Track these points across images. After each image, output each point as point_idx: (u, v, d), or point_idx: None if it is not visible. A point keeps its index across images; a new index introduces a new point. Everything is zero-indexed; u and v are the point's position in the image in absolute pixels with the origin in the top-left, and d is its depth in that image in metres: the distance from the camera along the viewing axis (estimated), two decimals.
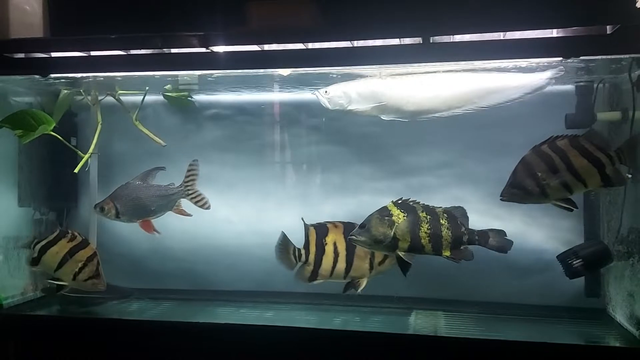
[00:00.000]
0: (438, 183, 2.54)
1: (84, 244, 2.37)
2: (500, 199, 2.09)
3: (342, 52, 2.02)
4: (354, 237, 2.04)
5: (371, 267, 2.28)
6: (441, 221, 2.06)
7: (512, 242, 2.09)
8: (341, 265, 2.27)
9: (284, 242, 2.32)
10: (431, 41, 1.92)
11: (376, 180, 2.60)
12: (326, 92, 2.32)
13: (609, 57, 1.95)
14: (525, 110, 2.26)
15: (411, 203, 2.10)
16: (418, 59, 2.00)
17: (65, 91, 2.56)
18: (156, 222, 2.50)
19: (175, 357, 2.19)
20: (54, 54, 2.19)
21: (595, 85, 2.34)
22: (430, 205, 2.11)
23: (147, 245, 2.72)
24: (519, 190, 2.05)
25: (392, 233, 2.02)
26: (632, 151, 2.05)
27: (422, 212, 2.07)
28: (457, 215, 2.10)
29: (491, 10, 1.84)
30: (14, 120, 2.37)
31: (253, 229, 2.70)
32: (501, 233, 2.10)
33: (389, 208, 2.07)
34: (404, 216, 2.04)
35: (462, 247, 2.08)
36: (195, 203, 2.46)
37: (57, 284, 2.36)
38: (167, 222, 2.53)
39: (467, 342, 2.04)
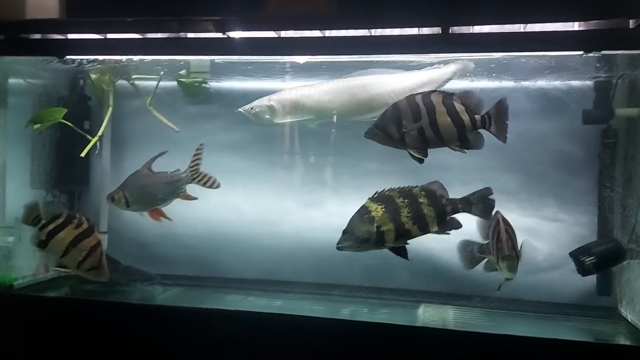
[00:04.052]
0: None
1: (89, 231, 2.30)
2: (364, 136, 2.08)
3: (360, 41, 2.00)
4: (341, 244, 2.02)
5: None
6: (420, 200, 2.04)
7: (494, 203, 2.05)
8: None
9: (467, 244, 2.20)
10: (450, 32, 1.90)
11: (389, 172, 2.54)
12: (252, 108, 2.38)
13: (631, 52, 1.93)
14: None
15: (387, 193, 2.07)
16: (436, 49, 1.99)
17: (94, 76, 2.58)
18: (166, 209, 2.48)
19: (182, 342, 2.20)
20: (70, 36, 2.18)
21: (614, 81, 2.31)
22: (406, 187, 2.09)
23: (157, 231, 2.72)
24: (382, 132, 2.05)
25: (375, 228, 1.99)
26: (498, 116, 2.02)
27: (399, 198, 2.04)
28: (435, 189, 2.08)
29: (512, 1, 1.82)
30: (36, 119, 2.53)
31: (262, 218, 2.69)
32: (486, 192, 2.06)
33: (367, 205, 2.04)
34: (382, 209, 2.01)
35: (447, 219, 2.06)
36: (204, 185, 2.41)
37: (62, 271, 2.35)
38: (177, 209, 2.52)
39: (475, 336, 2.03)
